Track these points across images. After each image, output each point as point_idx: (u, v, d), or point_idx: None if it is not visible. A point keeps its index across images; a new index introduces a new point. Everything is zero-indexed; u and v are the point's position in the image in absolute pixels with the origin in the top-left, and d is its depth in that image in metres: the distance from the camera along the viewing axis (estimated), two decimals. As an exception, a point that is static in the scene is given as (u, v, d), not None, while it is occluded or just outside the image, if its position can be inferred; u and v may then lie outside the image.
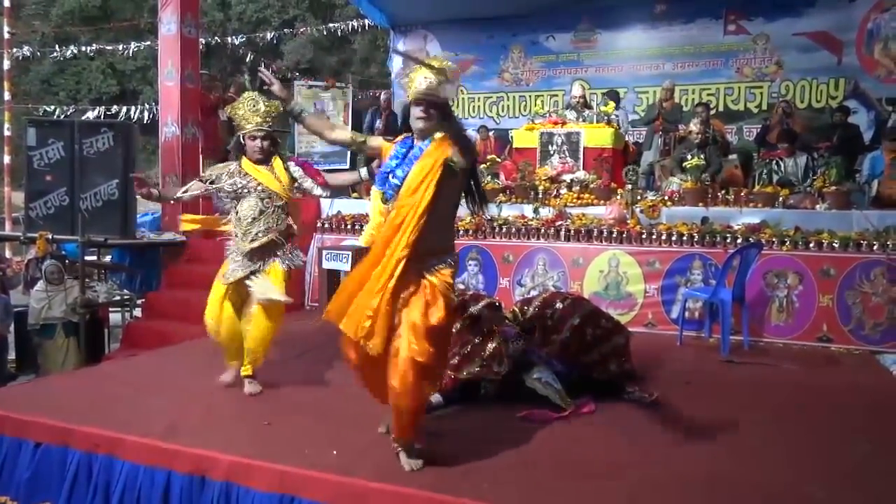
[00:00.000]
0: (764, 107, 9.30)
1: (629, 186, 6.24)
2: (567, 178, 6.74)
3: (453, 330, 3.61)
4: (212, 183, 3.84)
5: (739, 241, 5.53)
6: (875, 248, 5.27)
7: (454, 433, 3.13)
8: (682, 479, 2.71)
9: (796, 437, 3.29)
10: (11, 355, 7.15)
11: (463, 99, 10.82)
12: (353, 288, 2.75)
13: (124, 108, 15.19)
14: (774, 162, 6.76)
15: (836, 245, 5.35)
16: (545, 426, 3.33)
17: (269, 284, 3.73)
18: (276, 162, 3.87)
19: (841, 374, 4.65)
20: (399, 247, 2.66)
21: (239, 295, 3.86)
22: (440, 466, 2.76)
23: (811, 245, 5.43)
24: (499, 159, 7.60)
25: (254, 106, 3.76)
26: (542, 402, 3.52)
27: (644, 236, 5.89)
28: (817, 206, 5.76)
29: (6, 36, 12.60)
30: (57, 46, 14.93)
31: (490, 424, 3.28)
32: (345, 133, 3.14)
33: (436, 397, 3.54)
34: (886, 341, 5.17)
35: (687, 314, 5.57)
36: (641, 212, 6.04)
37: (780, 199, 5.91)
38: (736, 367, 4.74)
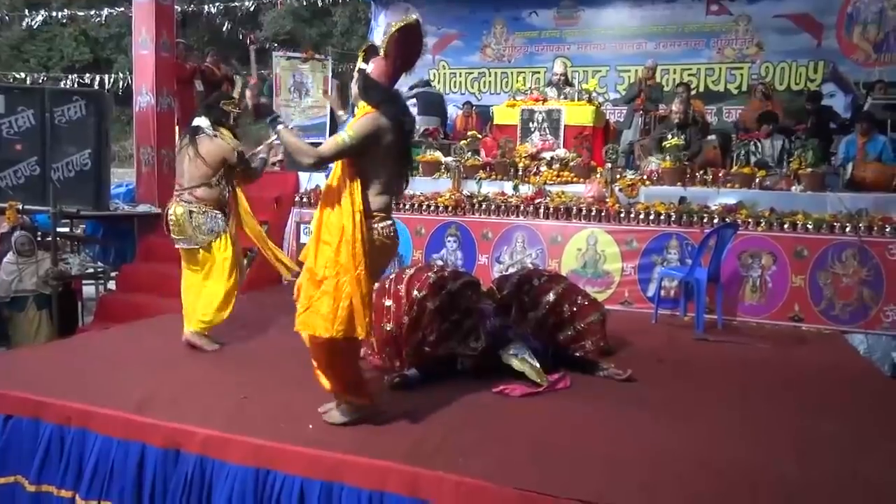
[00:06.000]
0: (744, 88, 9.36)
1: (609, 165, 6.25)
2: (547, 155, 6.74)
3: (431, 307, 3.63)
4: None
5: (716, 221, 5.58)
6: (847, 230, 5.35)
7: (430, 408, 3.14)
8: (653, 456, 2.75)
9: (767, 414, 3.36)
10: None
11: (444, 74, 10.73)
12: None
13: (97, 77, 14.84)
14: (752, 143, 6.82)
15: (810, 226, 5.42)
16: (520, 401, 3.37)
17: None
18: None
19: (811, 353, 4.74)
20: None
21: None
22: (415, 440, 2.78)
23: (785, 226, 5.50)
24: (479, 135, 7.56)
25: None
26: (518, 377, 3.55)
27: (622, 215, 5.91)
28: (793, 188, 5.83)
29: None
30: (27, 11, 14.46)
31: (466, 399, 3.30)
32: None
33: (413, 372, 3.56)
34: (855, 321, 5.28)
35: (662, 293, 5.63)
36: (620, 190, 6.06)
37: (757, 180, 5.97)
38: (709, 345, 4.82)
